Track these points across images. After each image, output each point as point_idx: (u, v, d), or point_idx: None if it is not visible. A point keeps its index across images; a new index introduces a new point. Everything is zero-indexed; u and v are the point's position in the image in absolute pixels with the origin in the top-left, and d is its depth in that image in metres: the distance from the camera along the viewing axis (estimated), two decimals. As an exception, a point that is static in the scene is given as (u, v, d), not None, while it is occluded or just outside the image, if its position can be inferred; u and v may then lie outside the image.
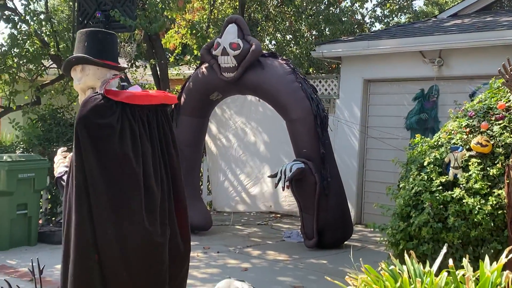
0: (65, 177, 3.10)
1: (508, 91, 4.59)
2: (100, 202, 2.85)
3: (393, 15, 15.86)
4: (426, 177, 4.51)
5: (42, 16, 10.29)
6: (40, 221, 8.05)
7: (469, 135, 4.54)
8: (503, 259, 2.94)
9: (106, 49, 3.12)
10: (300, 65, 13.19)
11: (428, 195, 4.38)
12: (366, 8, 15.83)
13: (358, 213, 9.53)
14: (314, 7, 14.33)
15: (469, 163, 4.36)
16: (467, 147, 4.47)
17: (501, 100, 4.61)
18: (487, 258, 3.03)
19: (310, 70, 13.77)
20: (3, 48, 9.77)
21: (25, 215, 7.38)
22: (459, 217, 4.24)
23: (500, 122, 4.46)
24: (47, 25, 10.38)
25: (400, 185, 4.89)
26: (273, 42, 15.31)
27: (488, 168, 4.30)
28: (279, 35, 15.13)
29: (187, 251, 3.19)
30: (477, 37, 8.15)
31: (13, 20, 9.62)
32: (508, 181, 4.06)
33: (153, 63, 11.23)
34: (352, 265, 3.50)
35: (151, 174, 2.95)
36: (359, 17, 15.22)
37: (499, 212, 4.11)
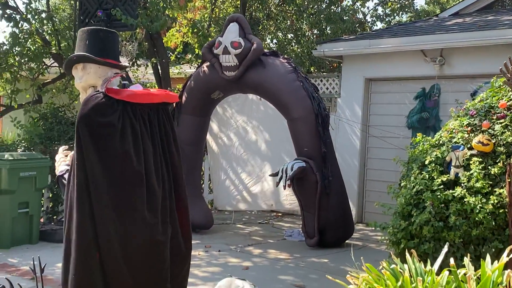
0: (66, 176, 3.11)
1: (510, 90, 4.58)
2: (101, 201, 2.85)
3: (395, 14, 15.85)
4: (427, 176, 4.50)
5: (43, 15, 10.31)
6: (42, 220, 8.06)
7: (470, 134, 4.54)
8: (504, 258, 2.94)
9: (108, 47, 3.12)
10: (302, 64, 13.19)
11: (430, 194, 4.37)
12: (368, 7, 15.82)
13: (359, 212, 9.53)
14: (316, 6, 14.32)
15: (471, 162, 4.36)
16: (469, 146, 4.47)
17: (503, 99, 4.60)
18: (488, 257, 3.03)
19: (312, 69, 13.76)
20: (5, 47, 9.78)
21: (27, 214, 7.39)
22: (460, 216, 4.23)
23: (501, 121, 4.46)
24: (49, 24, 10.39)
25: (401, 184, 4.88)
26: (275, 41, 15.30)
27: (489, 167, 4.29)
28: (280, 34, 15.12)
29: (189, 250, 3.19)
30: (478, 36, 8.14)
31: (14, 19, 9.64)
32: (509, 180, 4.05)
33: (155, 62, 11.23)
34: (353, 264, 3.50)
35: (153, 173, 2.95)
36: (361, 16, 15.22)
37: (500, 211, 4.10)
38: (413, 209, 4.49)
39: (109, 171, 2.84)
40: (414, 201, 4.52)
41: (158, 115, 3.08)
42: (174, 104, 7.85)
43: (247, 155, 9.46)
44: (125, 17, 8.46)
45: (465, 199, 4.21)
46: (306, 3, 14.29)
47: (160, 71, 11.45)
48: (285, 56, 8.12)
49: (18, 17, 9.73)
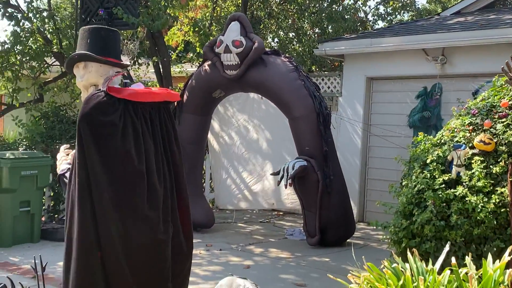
0: (67, 174, 3.11)
1: (511, 89, 4.58)
2: (102, 200, 2.85)
3: (396, 13, 15.84)
4: (429, 175, 4.50)
5: (45, 14, 10.30)
6: (43, 218, 8.07)
7: (472, 133, 4.53)
8: (506, 257, 2.94)
9: (109, 46, 3.12)
10: (303, 63, 13.18)
11: (431, 193, 4.37)
12: (369, 6, 15.88)
13: (360, 211, 9.52)
14: (317, 5, 14.30)
15: (472, 161, 4.35)
16: (470, 145, 4.46)
17: (504, 98, 4.59)
18: (490, 256, 3.03)
19: (313, 68, 13.75)
20: (6, 46, 9.79)
21: (28, 212, 7.40)
22: (462, 215, 4.23)
23: (503, 120, 4.45)
24: (50, 23, 10.39)
25: (403, 183, 4.88)
26: (276, 39, 15.29)
27: (491, 166, 4.29)
28: (281, 32, 15.11)
29: (190, 249, 3.19)
30: (480, 35, 8.13)
31: (16, 18, 9.64)
32: (511, 179, 4.05)
33: (156, 60, 11.23)
34: (355, 263, 3.50)
35: (154, 172, 2.95)
36: (362, 14, 15.21)
37: (502, 210, 4.09)
38: (415, 208, 4.49)
39: (110, 170, 2.84)
40: (415, 200, 4.52)
41: (159, 114, 3.08)
42: (175, 103, 7.84)
43: (248, 154, 9.46)
44: (127, 15, 8.46)
45: (466, 198, 4.21)
46: (307, 1, 14.28)
47: (161, 70, 11.45)
48: (287, 55, 8.12)
49: (19, 15, 9.73)
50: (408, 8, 15.94)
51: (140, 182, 2.88)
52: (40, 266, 3.65)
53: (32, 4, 9.82)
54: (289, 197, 9.07)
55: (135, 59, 10.88)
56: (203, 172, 9.71)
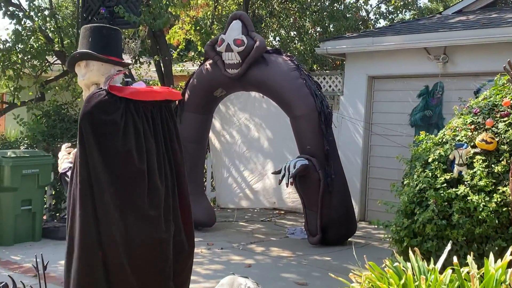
0: (69, 173, 3.10)
1: (513, 88, 4.57)
2: (104, 198, 2.85)
3: (398, 12, 15.81)
4: (430, 174, 4.49)
5: (46, 12, 10.30)
6: (44, 217, 8.08)
7: (474, 132, 4.52)
8: (507, 257, 2.94)
9: (110, 45, 3.12)
10: (304, 61, 13.17)
11: (433, 192, 4.36)
12: (371, 5, 15.81)
13: (362, 210, 9.52)
14: (319, 4, 14.30)
15: (474, 160, 4.35)
16: (472, 144, 4.45)
17: (506, 97, 4.59)
18: (491, 256, 3.03)
19: (314, 67, 13.74)
20: (8, 44, 9.79)
21: (29, 211, 7.40)
22: (464, 214, 4.22)
23: (505, 119, 4.44)
24: (52, 21, 10.39)
25: (404, 182, 4.87)
26: (277, 38, 15.29)
27: (492, 165, 4.28)
28: (283, 31, 15.10)
29: (191, 248, 3.19)
30: (482, 33, 8.12)
31: (17, 16, 9.64)
32: (513, 178, 4.05)
33: (157, 59, 11.23)
34: (356, 262, 3.49)
35: (155, 170, 2.95)
36: (364, 13, 15.18)
37: (504, 209, 4.09)
38: (416, 207, 4.48)
39: (111, 170, 2.84)
40: (417, 199, 4.51)
41: (161, 112, 3.08)
42: (176, 101, 7.85)
43: (250, 152, 9.46)
44: (128, 14, 8.46)
45: (468, 197, 4.20)
46: (309, 0, 14.27)
47: (162, 69, 11.44)
48: (288, 54, 8.12)
49: (21, 14, 9.73)
50: (409, 7, 15.92)
51: (141, 182, 2.88)
52: (42, 265, 3.65)
53: (34, 2, 9.83)
54: (290, 196, 9.08)
55: (136, 57, 10.87)
56: (204, 171, 9.71)
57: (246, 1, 12.89)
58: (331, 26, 13.98)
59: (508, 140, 4.31)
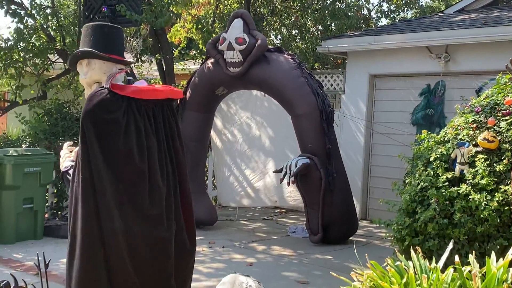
0: (71, 171, 3.10)
1: (515, 86, 4.56)
2: (105, 197, 2.85)
3: (400, 10, 15.80)
4: (432, 172, 4.49)
5: (48, 11, 10.31)
6: (46, 215, 8.09)
7: (475, 131, 4.52)
8: (509, 256, 2.93)
9: (112, 43, 3.12)
10: (306, 60, 13.17)
11: (434, 191, 4.36)
12: (372, 3, 15.75)
13: (363, 208, 9.52)
14: (320, 2, 14.30)
15: (476, 159, 4.34)
16: (474, 142, 4.45)
17: (508, 95, 4.58)
18: (493, 254, 3.03)
19: (316, 65, 13.74)
20: (10, 42, 9.80)
21: (31, 209, 7.41)
22: (465, 213, 4.22)
23: (507, 118, 4.44)
24: (53, 20, 10.40)
25: (406, 181, 4.87)
26: (279, 37, 15.28)
27: (494, 164, 4.28)
28: (284, 30, 15.10)
29: (193, 246, 3.19)
30: (484, 32, 8.11)
31: (19, 15, 9.64)
32: (514, 177, 4.04)
33: (159, 58, 11.23)
34: (357, 260, 3.49)
35: (157, 169, 2.95)
36: (365, 12, 15.20)
37: (505, 208, 4.09)
38: (418, 206, 4.48)
39: (112, 168, 2.84)
40: (418, 198, 4.51)
41: (162, 111, 3.08)
42: (178, 100, 7.85)
43: (251, 151, 9.47)
44: (130, 13, 8.46)
45: (470, 196, 4.20)
46: (310, -1, 14.28)
47: (164, 67, 11.45)
48: (290, 52, 8.11)
49: (23, 12, 9.74)
50: (411, 6, 15.92)
51: (141, 181, 2.88)
52: (44, 263, 3.66)
53: (35, 1, 9.83)
54: (292, 195, 9.08)
55: (138, 56, 10.87)
56: (205, 169, 9.72)
57: (247, 0, 12.89)
58: (332, 24, 13.98)
59: (510, 139, 4.31)
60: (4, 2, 9.50)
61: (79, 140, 2.87)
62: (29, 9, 9.82)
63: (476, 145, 4.42)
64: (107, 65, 3.08)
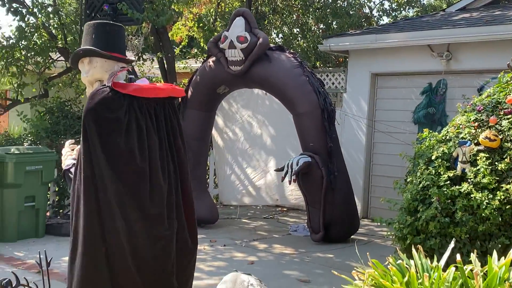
0: (72, 170, 3.11)
1: (517, 85, 4.56)
2: (107, 195, 2.85)
3: (401, 9, 15.77)
4: (434, 171, 4.48)
5: (49, 9, 10.32)
6: (48, 213, 8.09)
7: (477, 130, 4.51)
8: (511, 254, 2.93)
9: (114, 41, 3.12)
10: (307, 58, 13.16)
11: (436, 189, 4.36)
12: (374, 2, 15.73)
13: (364, 207, 9.51)
14: (322, 0, 14.28)
15: (477, 158, 4.33)
16: (476, 141, 4.44)
17: (510, 94, 4.57)
18: (495, 253, 3.02)
19: (317, 64, 13.73)
20: (11, 41, 9.81)
21: (33, 207, 7.41)
22: (467, 212, 4.22)
23: (509, 116, 4.43)
24: (55, 18, 10.40)
25: (408, 180, 4.87)
26: (280, 35, 15.27)
27: (496, 163, 4.27)
28: (286, 28, 15.08)
29: (194, 245, 3.19)
30: (485, 31, 8.10)
31: (21, 13, 9.65)
32: (516, 176, 4.04)
33: (160, 56, 11.23)
34: (359, 259, 3.49)
35: (158, 168, 2.95)
36: (367, 10, 15.17)
37: (507, 207, 4.08)
38: (419, 204, 4.48)
39: (113, 167, 2.84)
40: (420, 197, 4.51)
41: (164, 109, 3.08)
42: (179, 98, 7.85)
43: (253, 150, 9.47)
44: (131, 11, 8.46)
45: (471, 195, 4.20)
46: (312, -3, 14.26)
47: (165, 66, 11.45)
48: (291, 51, 8.11)
49: (24, 11, 9.74)
50: (413, 4, 15.88)
51: (142, 181, 2.89)
52: (45, 261, 3.66)
53: (37, -1, 9.84)
54: (293, 193, 9.08)
55: (139, 54, 10.87)
56: (207, 168, 9.72)
57: (249, -2, 12.87)
58: (334, 23, 13.97)
59: (511, 138, 4.30)
60: (6, 0, 9.51)
61: (81, 139, 2.88)
62: (31, 7, 9.82)
63: (477, 144, 4.41)
64: (109, 63, 3.08)
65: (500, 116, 4.48)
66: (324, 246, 7.34)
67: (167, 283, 3.01)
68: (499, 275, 2.78)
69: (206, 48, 9.18)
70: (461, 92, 7.41)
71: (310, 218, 7.56)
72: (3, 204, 7.19)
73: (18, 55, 10.05)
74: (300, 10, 14.46)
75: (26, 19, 9.75)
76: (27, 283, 3.68)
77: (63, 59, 10.64)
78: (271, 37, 14.75)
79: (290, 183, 7.32)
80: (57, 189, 8.45)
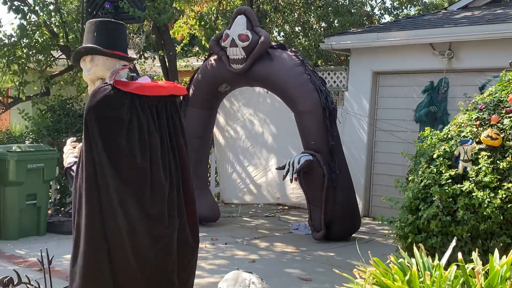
0: (74, 168, 3.11)
1: (519, 84, 4.55)
2: (108, 193, 2.85)
3: (403, 7, 15.75)
4: (435, 170, 4.49)
5: (51, 7, 10.31)
6: (49, 211, 8.10)
7: (479, 128, 4.51)
8: (512, 253, 2.93)
9: (116, 39, 3.12)
10: (309, 57, 13.14)
11: (437, 188, 4.36)
12: (376, 0, 15.71)
13: (366, 205, 9.51)
14: (323, -1, 14.26)
15: (479, 156, 4.34)
16: (477, 140, 4.44)
17: (512, 93, 4.58)
18: (496, 252, 3.02)
19: (319, 62, 13.71)
20: (13, 39, 9.81)
21: (34, 205, 7.42)
22: (468, 211, 4.22)
23: (510, 115, 4.43)
24: (56, 16, 10.40)
25: (409, 178, 4.87)
26: (282, 33, 15.25)
27: (498, 162, 4.27)
28: (287, 26, 15.07)
29: (196, 243, 3.20)
30: (487, 29, 8.09)
31: (22, 11, 9.65)
32: (518, 175, 4.04)
33: (162, 54, 11.23)
34: (360, 257, 3.49)
35: (160, 167, 2.95)
36: (369, 8, 15.13)
37: (509, 205, 4.08)
38: (421, 203, 4.48)
39: (114, 166, 2.85)
40: (421, 195, 4.51)
41: (166, 107, 3.08)
42: (181, 97, 7.84)
43: (254, 148, 9.46)
44: (133, 9, 8.46)
45: (473, 194, 4.20)
46: (313, -5, 14.24)
47: (167, 64, 11.44)
48: (293, 49, 8.10)
49: (26, 9, 9.74)
50: (414, 2, 15.85)
51: (143, 180, 2.89)
52: (47, 259, 3.67)
53: (39, -3, 9.85)
54: (295, 192, 9.07)
55: (141, 53, 10.87)
56: (208, 166, 9.72)
57: (250, -4, 12.86)
58: (335, 21, 13.94)
59: (513, 136, 4.30)
60: (7, -1, 9.52)
61: (83, 137, 2.88)
62: (32, 5, 9.83)
63: (479, 143, 4.41)
64: (111, 61, 3.08)
65: (501, 115, 4.48)
66: (325, 245, 7.34)
67: (168, 281, 3.02)
68: (500, 273, 2.77)
69: (208, 46, 9.17)
70: (462, 91, 7.40)
71: (312, 217, 7.56)
72: (5, 202, 7.20)
73: (20, 53, 10.06)
74: (302, 9, 14.45)
75: (27, 17, 9.75)
76: (28, 281, 3.69)
77: (65, 57, 10.64)
78: (273, 35, 14.73)
79: (291, 181, 7.31)
80: (58, 187, 8.45)
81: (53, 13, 10.25)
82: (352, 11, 13.73)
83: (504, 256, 2.94)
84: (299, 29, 14.91)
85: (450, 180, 4.36)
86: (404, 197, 4.69)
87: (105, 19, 3.22)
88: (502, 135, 4.34)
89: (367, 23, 14.00)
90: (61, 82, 10.89)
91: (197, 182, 7.51)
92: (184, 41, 13.37)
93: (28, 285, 3.68)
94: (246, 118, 9.40)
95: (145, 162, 2.90)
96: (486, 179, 4.20)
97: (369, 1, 15.06)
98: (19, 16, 9.62)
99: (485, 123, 4.52)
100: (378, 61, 9.38)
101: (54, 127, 9.42)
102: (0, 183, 7.18)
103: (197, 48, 13.43)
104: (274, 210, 9.96)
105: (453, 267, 2.87)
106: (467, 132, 4.54)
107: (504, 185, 4.16)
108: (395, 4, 15.55)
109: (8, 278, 3.60)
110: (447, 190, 4.32)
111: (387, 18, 15.82)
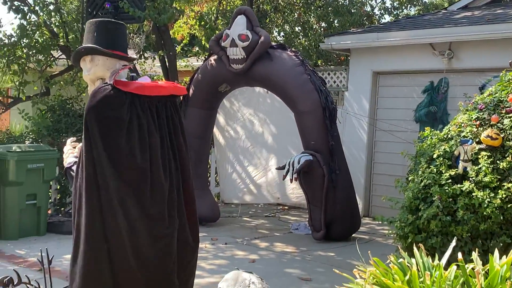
0: (74, 168, 3.11)
1: (519, 84, 4.55)
2: (108, 193, 2.85)
3: (403, 7, 15.75)
4: (435, 170, 4.49)
5: (51, 7, 10.31)
6: (49, 211, 8.10)
7: (479, 128, 4.51)
8: (512, 253, 2.93)
9: (116, 39, 3.12)
10: (309, 57, 13.14)
11: (437, 188, 4.36)
12: (376, 0, 15.72)
13: (366, 205, 9.51)
14: (323, -1, 14.26)
15: (479, 156, 4.34)
16: (477, 140, 4.44)
17: (512, 93, 4.57)
18: (496, 252, 3.02)
19: (319, 62, 13.71)
20: (13, 39, 9.81)
21: (34, 205, 7.42)
22: (468, 211, 4.22)
23: (510, 115, 4.43)
24: (56, 16, 10.40)
25: (409, 178, 4.87)
26: (282, 33, 15.25)
27: (498, 162, 4.27)
28: (287, 26, 15.07)
29: (196, 243, 3.20)
30: (487, 29, 8.09)
31: (22, 11, 9.65)
32: (518, 175, 4.04)
33: (162, 54, 11.23)
34: (360, 257, 3.49)
35: (160, 167, 2.95)
36: (369, 8, 15.13)
37: (509, 205, 4.08)
38: (421, 203, 4.48)
39: (114, 165, 2.85)
40: (421, 195, 4.51)
41: (166, 107, 3.08)
42: (181, 97, 7.85)
43: (254, 148, 9.46)
44: (133, 9, 8.46)
45: (473, 194, 4.20)
46: (313, -5, 14.24)
47: (167, 64, 11.44)
48: (293, 49, 8.10)
49: (26, 9, 9.74)
50: (414, 2, 15.85)
51: (143, 180, 2.89)
52: (47, 259, 3.67)
53: (39, -3, 9.85)
54: (295, 192, 9.07)
55: (141, 53, 10.87)
56: (208, 166, 9.72)
57: (250, -4, 12.86)
58: (335, 21, 13.94)
59: (513, 136, 4.30)
60: (7, -2, 9.52)
61: (83, 137, 2.88)
62: (32, 5, 9.83)
63: (479, 143, 4.41)
64: (111, 61, 3.08)
65: (501, 115, 4.48)
66: (325, 245, 7.34)
67: (168, 281, 3.02)
68: (500, 273, 2.77)
69: (208, 46, 9.17)
70: (462, 91, 7.40)
71: (312, 217, 7.56)
72: (5, 202, 7.20)
73: (20, 53, 10.06)
74: (302, 9, 14.45)
75: (27, 17, 9.75)
76: (28, 281, 3.69)
77: (65, 57, 10.64)
78: (273, 35, 14.73)
79: (291, 181, 7.31)
80: (58, 187, 8.45)
81: (53, 13, 10.25)
82: (352, 11, 13.73)
83: (504, 256, 2.94)
84: (299, 29, 14.91)
85: (450, 180, 4.36)
86: (404, 197, 4.69)
87: (105, 19, 3.22)
88: (502, 135, 4.34)
89: (367, 23, 14.01)
90: (61, 82, 10.89)
91: (197, 182, 7.51)
92: (184, 41, 13.37)
93: (28, 285, 3.68)
94: (246, 118, 9.40)
95: (145, 162, 2.90)
96: (486, 179, 4.20)
97: (369, 1, 15.07)
98: (19, 16, 9.62)
99: (485, 123, 4.52)
100: (378, 61, 9.38)
101: (54, 127, 9.42)
102: (0, 183, 7.18)
103: (197, 48, 13.42)
104: (274, 210, 9.96)
105: (453, 267, 2.87)
106: (467, 132, 4.54)
107: (504, 185, 4.16)
108: (395, 4, 15.56)
109: (8, 278, 3.60)
110: (447, 190, 4.32)
111: (387, 18, 15.83)
